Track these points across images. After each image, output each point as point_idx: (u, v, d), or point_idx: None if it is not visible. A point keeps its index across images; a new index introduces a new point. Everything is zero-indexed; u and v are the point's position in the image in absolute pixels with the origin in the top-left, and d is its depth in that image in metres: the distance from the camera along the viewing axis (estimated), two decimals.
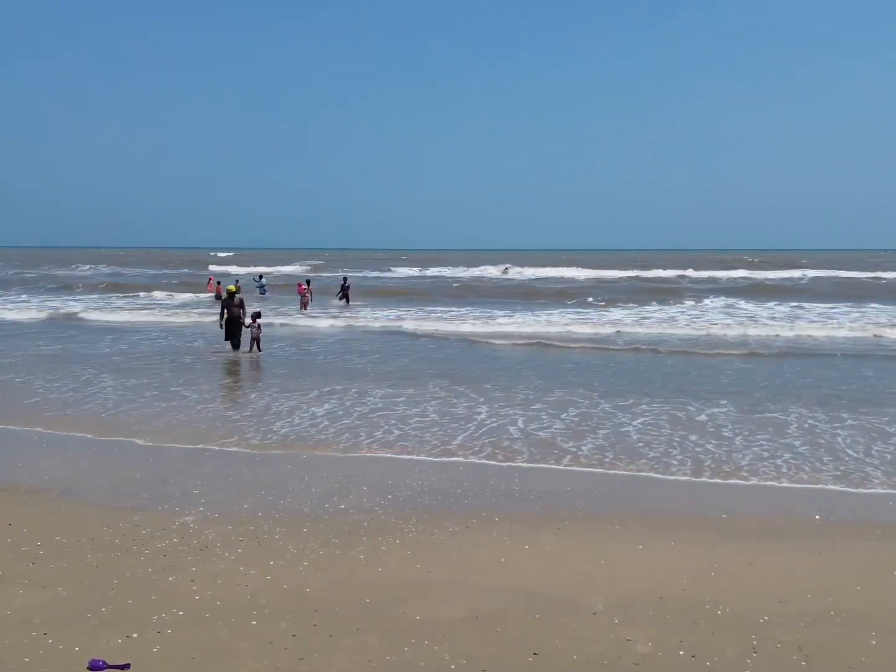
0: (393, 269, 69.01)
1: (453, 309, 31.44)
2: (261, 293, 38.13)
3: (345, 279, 35.96)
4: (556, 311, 29.72)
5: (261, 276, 40.42)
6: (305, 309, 29.95)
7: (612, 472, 8.90)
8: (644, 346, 19.84)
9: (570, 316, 27.86)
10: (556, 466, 9.11)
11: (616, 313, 29.14)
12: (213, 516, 7.25)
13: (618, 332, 23.06)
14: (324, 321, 26.26)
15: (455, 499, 7.87)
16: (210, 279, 43.01)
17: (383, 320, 26.41)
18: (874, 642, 4.92)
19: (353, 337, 22.43)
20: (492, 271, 63.25)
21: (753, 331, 23.13)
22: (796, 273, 56.37)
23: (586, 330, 23.47)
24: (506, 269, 62.10)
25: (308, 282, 32.33)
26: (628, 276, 55.23)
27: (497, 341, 21.04)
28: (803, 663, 4.66)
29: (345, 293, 34.17)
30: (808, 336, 22.21)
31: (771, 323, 25.30)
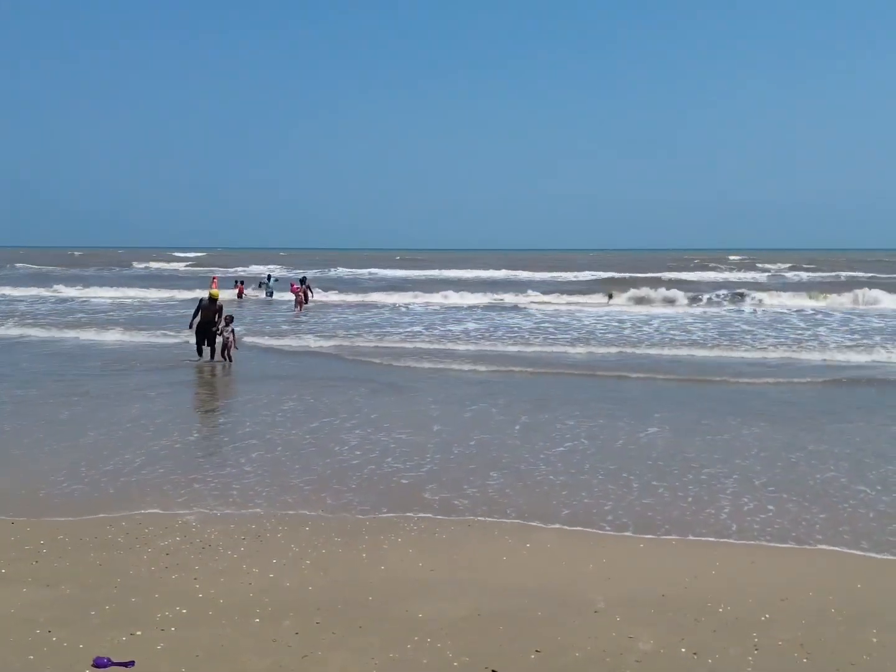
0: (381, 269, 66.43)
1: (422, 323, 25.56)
2: (267, 295, 36.34)
3: (304, 279, 34.62)
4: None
5: (269, 276, 38.59)
6: (301, 308, 29.83)
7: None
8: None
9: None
10: None
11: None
12: (215, 515, 7.27)
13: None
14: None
15: (456, 499, 7.89)
16: (214, 279, 42.33)
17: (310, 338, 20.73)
18: (875, 640, 4.94)
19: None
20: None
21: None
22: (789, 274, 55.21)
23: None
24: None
25: (301, 281, 32.01)
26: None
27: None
28: (805, 661, 4.68)
29: (304, 292, 33.34)
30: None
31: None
